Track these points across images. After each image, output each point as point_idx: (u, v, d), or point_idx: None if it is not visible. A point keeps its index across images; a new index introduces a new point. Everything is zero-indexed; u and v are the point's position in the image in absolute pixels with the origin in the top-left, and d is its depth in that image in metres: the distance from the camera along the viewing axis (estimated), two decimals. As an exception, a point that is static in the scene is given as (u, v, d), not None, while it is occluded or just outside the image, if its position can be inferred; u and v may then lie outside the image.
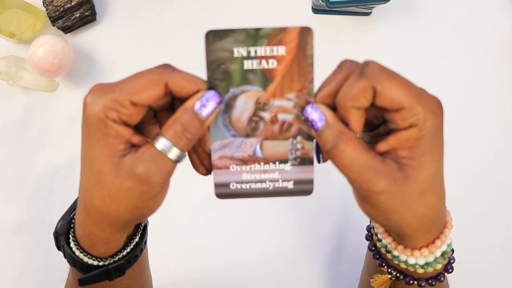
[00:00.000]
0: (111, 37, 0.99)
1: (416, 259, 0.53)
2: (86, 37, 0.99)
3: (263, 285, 0.97)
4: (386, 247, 0.56)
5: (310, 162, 0.51)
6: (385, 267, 0.58)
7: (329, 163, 0.51)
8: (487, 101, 0.98)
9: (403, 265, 0.55)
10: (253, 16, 0.99)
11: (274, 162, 0.51)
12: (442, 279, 0.57)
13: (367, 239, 0.61)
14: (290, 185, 0.51)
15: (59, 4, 0.93)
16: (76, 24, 0.96)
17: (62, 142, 0.97)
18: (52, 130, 0.98)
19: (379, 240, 0.57)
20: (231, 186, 0.51)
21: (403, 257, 0.54)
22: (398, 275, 0.57)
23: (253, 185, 0.51)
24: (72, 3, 0.93)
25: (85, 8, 0.94)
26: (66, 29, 0.96)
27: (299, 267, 0.97)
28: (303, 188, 0.52)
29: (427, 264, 0.54)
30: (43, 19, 0.96)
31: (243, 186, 0.51)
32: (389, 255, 0.56)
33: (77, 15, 0.94)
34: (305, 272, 0.97)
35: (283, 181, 0.51)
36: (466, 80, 0.99)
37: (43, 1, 0.94)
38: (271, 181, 0.51)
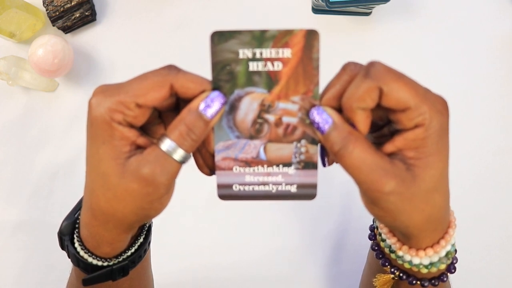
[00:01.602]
0: (111, 37, 0.99)
1: (420, 259, 0.53)
2: (86, 37, 0.99)
3: (265, 285, 0.97)
4: (390, 247, 0.56)
5: (314, 166, 0.50)
6: (388, 267, 0.58)
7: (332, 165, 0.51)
8: (487, 101, 0.98)
9: (407, 265, 0.55)
10: (253, 16, 0.99)
11: (277, 165, 0.50)
12: (445, 279, 0.57)
13: (370, 238, 0.61)
14: (293, 189, 0.51)
15: (59, 4, 0.93)
16: (76, 24, 0.96)
17: (62, 142, 0.97)
18: (52, 130, 0.97)
19: (383, 240, 0.57)
20: (234, 187, 0.51)
21: (407, 257, 0.54)
22: (401, 275, 0.57)
23: (256, 188, 0.51)
24: (72, 3, 0.93)
25: (85, 8, 0.94)
26: (66, 29, 0.96)
27: (301, 267, 0.97)
28: (306, 192, 0.51)
29: (431, 264, 0.54)
30: (43, 19, 0.96)
31: (246, 188, 0.51)
32: (393, 255, 0.56)
33: (77, 15, 0.94)
34: (307, 272, 0.97)
35: (286, 184, 0.51)
36: (466, 80, 0.99)
37: (43, 1, 0.94)
38: (274, 184, 0.51)
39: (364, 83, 0.46)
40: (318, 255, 0.98)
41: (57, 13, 0.93)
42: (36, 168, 0.97)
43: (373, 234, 0.61)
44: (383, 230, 0.56)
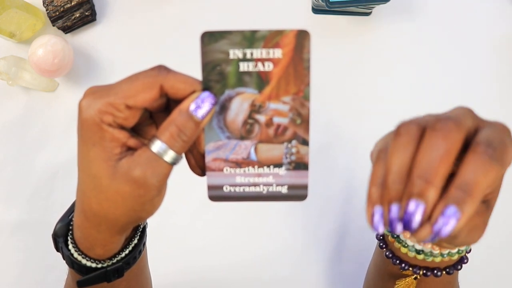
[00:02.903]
0: (111, 37, 0.99)
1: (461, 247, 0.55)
2: (86, 37, 0.99)
3: (264, 286, 0.97)
4: (418, 250, 0.57)
5: (305, 167, 0.50)
6: (410, 269, 0.59)
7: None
8: (487, 101, 0.98)
9: (437, 259, 0.56)
10: (253, 16, 0.99)
11: (268, 166, 0.50)
12: (466, 261, 0.59)
13: (381, 247, 0.61)
14: (284, 190, 0.51)
15: (59, 4, 0.93)
16: (76, 24, 0.96)
17: (62, 142, 0.97)
18: (52, 130, 0.98)
19: (405, 246, 0.57)
20: (224, 188, 0.51)
21: (446, 252, 0.55)
22: (425, 271, 0.58)
23: (247, 189, 0.51)
24: (72, 3, 0.93)
25: (85, 8, 0.94)
26: (66, 29, 0.96)
27: (301, 267, 0.97)
28: (297, 193, 0.51)
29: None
30: (43, 19, 0.96)
31: (237, 189, 0.51)
32: (419, 256, 0.57)
33: (77, 15, 0.94)
34: (306, 273, 0.97)
35: (277, 185, 0.51)
36: (466, 80, 0.99)
37: (43, 1, 0.94)
38: (265, 185, 0.51)
39: (492, 168, 0.40)
40: (317, 255, 0.97)
41: (57, 13, 0.93)
42: (36, 168, 0.97)
43: (384, 242, 0.61)
44: (412, 239, 0.57)
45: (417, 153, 0.40)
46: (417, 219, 0.40)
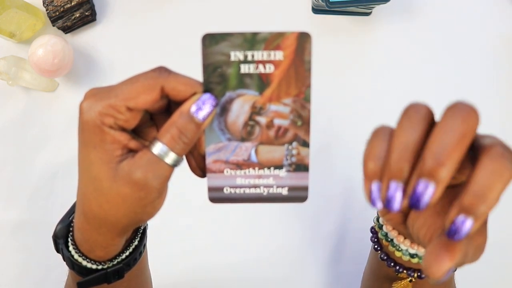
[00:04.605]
0: (111, 37, 0.99)
1: None
2: (86, 37, 0.98)
3: (265, 285, 0.97)
4: (412, 254, 0.57)
5: (305, 169, 0.50)
6: (404, 272, 0.59)
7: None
8: (487, 101, 0.98)
9: None
10: (253, 16, 0.99)
11: (269, 168, 0.50)
12: None
13: (376, 250, 0.61)
14: (284, 192, 0.51)
15: (59, 4, 0.93)
16: (76, 24, 0.96)
17: (62, 142, 0.97)
18: (52, 130, 0.98)
19: (399, 250, 0.57)
20: (225, 190, 0.51)
21: None
22: (419, 274, 0.58)
23: (247, 190, 0.51)
24: (72, 3, 0.93)
25: (85, 8, 0.94)
26: (66, 29, 0.96)
27: (299, 268, 0.97)
28: (298, 195, 0.51)
29: None
30: (43, 19, 0.96)
31: (237, 191, 0.51)
32: (414, 260, 0.57)
33: (77, 15, 0.94)
34: (307, 273, 0.97)
35: (277, 187, 0.51)
36: (466, 80, 0.99)
37: (43, 1, 0.94)
38: (265, 186, 0.51)
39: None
40: (318, 255, 0.97)
41: (57, 13, 0.93)
42: (36, 168, 0.97)
43: (379, 245, 0.61)
44: (405, 243, 0.56)
45: (433, 133, 0.38)
46: (425, 199, 0.38)
